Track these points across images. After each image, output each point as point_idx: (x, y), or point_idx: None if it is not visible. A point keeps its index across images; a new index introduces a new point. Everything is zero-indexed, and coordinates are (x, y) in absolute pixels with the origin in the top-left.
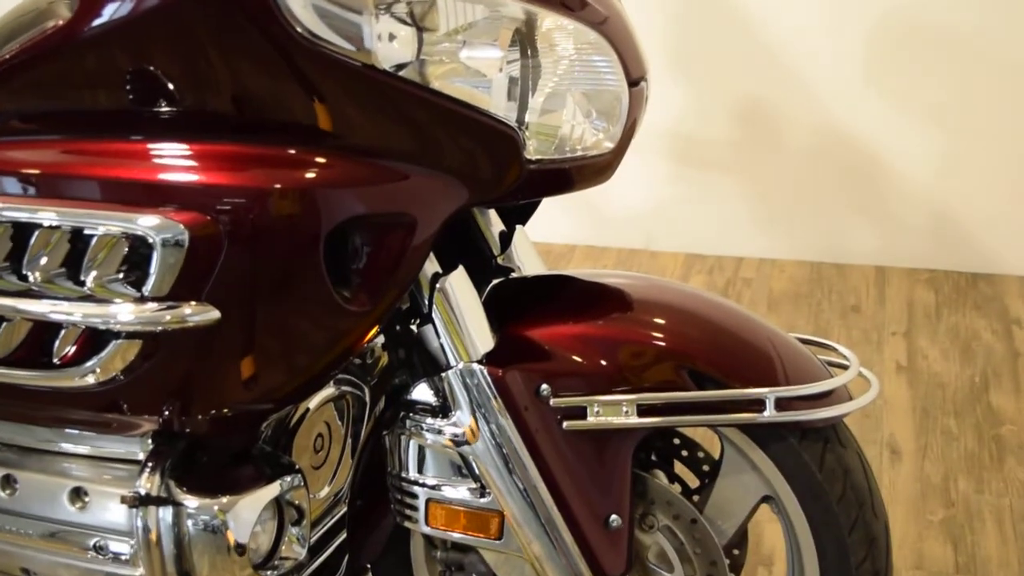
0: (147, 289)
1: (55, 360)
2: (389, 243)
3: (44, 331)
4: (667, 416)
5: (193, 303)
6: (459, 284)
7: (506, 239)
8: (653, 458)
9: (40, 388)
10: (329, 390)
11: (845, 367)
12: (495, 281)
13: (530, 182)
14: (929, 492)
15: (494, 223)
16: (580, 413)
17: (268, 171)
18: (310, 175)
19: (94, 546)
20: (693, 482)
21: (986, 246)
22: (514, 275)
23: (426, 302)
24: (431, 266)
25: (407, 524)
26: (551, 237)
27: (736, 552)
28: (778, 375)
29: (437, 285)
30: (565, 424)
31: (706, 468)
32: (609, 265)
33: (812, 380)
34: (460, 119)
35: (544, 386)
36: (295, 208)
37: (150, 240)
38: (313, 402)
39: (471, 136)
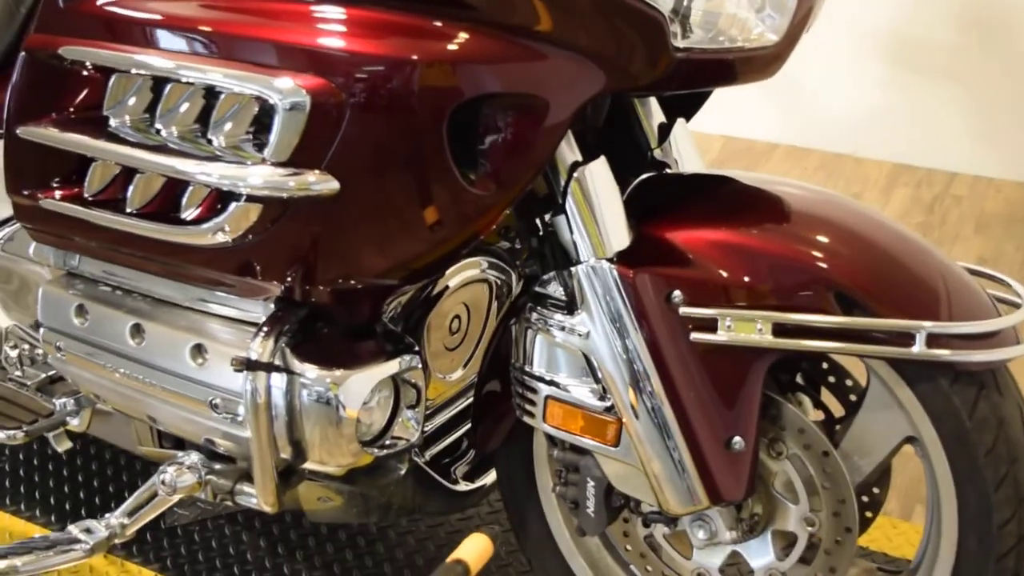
0: (268, 153)
1: (184, 216)
2: (519, 126)
3: (176, 187)
4: (804, 339)
5: (314, 171)
6: (598, 175)
7: (665, 132)
8: (799, 380)
9: (169, 242)
10: (472, 271)
11: (1018, 306)
12: (643, 176)
13: (681, 72)
14: None
15: (655, 115)
16: (711, 325)
17: (395, 40)
18: (438, 47)
19: (211, 403)
20: (839, 411)
21: None
22: (668, 171)
23: (561, 191)
24: (571, 153)
25: (526, 419)
26: (753, 134)
27: (876, 491)
28: (935, 308)
29: (575, 174)
30: (693, 336)
31: (853, 398)
32: (810, 168)
33: (974, 318)
34: (603, 0)
35: (676, 293)
36: (419, 81)
37: (272, 102)
38: (452, 281)
39: (614, 19)
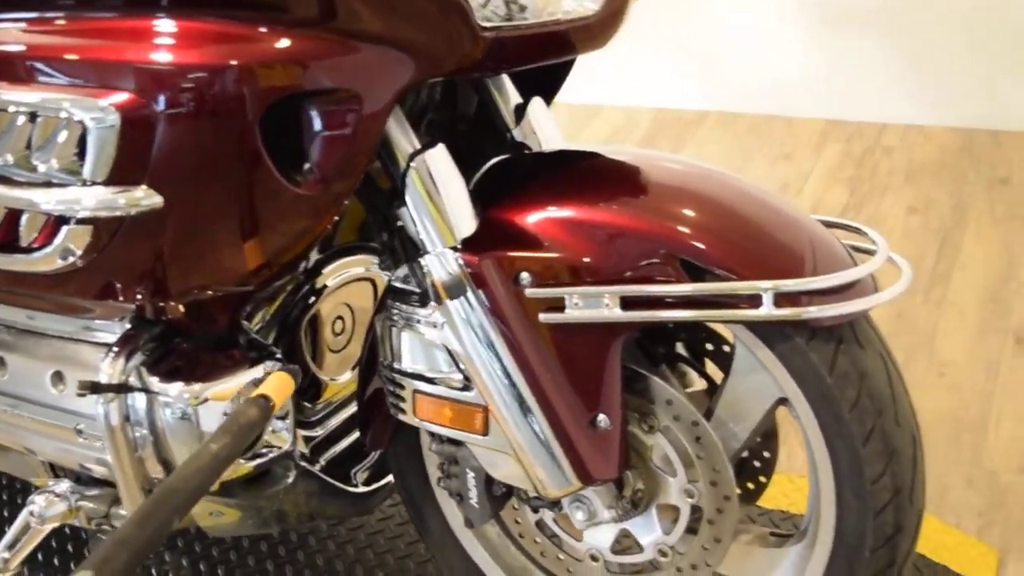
0: (87, 173)
1: (25, 243)
2: (336, 123)
3: (16, 214)
4: (653, 310)
5: (135, 187)
6: (438, 162)
7: (522, 113)
8: (681, 351)
9: (15, 271)
10: (355, 269)
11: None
12: (495, 159)
13: (497, 52)
14: None
15: (511, 95)
16: (558, 305)
17: (197, 47)
18: (242, 51)
19: (76, 430)
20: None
21: None
22: (525, 152)
23: (400, 181)
24: (407, 143)
25: (399, 416)
26: (683, 103)
27: (766, 454)
28: (787, 267)
29: (412, 163)
30: (542, 316)
31: (728, 364)
32: (741, 133)
33: (828, 272)
34: None
35: (524, 275)
36: (223, 86)
37: (81, 123)
38: (331, 281)
39: (417, 7)
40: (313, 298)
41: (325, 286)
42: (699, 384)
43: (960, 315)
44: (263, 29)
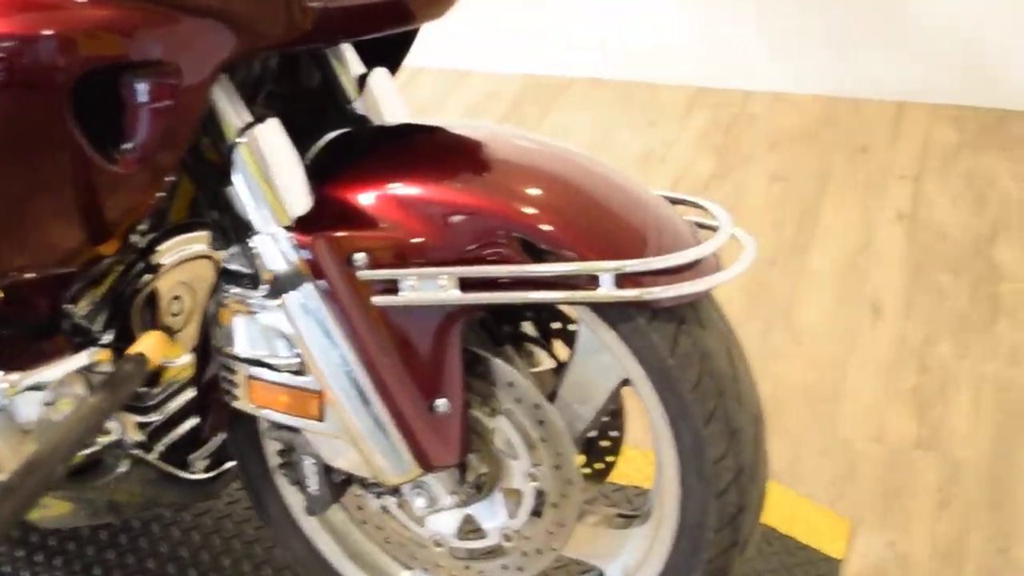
0: None
1: None
2: (153, 96)
3: None
4: (492, 292)
5: None
6: (270, 137)
7: (363, 84)
8: (529, 331)
9: None
10: (195, 247)
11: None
12: (334, 133)
13: (326, 22)
14: (906, 356)
15: (352, 65)
16: (393, 287)
17: (6, 14)
18: (50, 18)
19: None
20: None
21: (1020, 79)
22: (368, 125)
23: (228, 157)
24: (237, 118)
25: (233, 402)
26: (551, 69)
27: (613, 434)
28: (629, 247)
29: (241, 138)
30: (376, 299)
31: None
32: (608, 100)
33: (670, 251)
34: None
35: (358, 255)
36: (34, 55)
37: None
38: (167, 259)
39: None
40: (148, 277)
41: (161, 264)
42: (547, 363)
43: (819, 284)
44: None
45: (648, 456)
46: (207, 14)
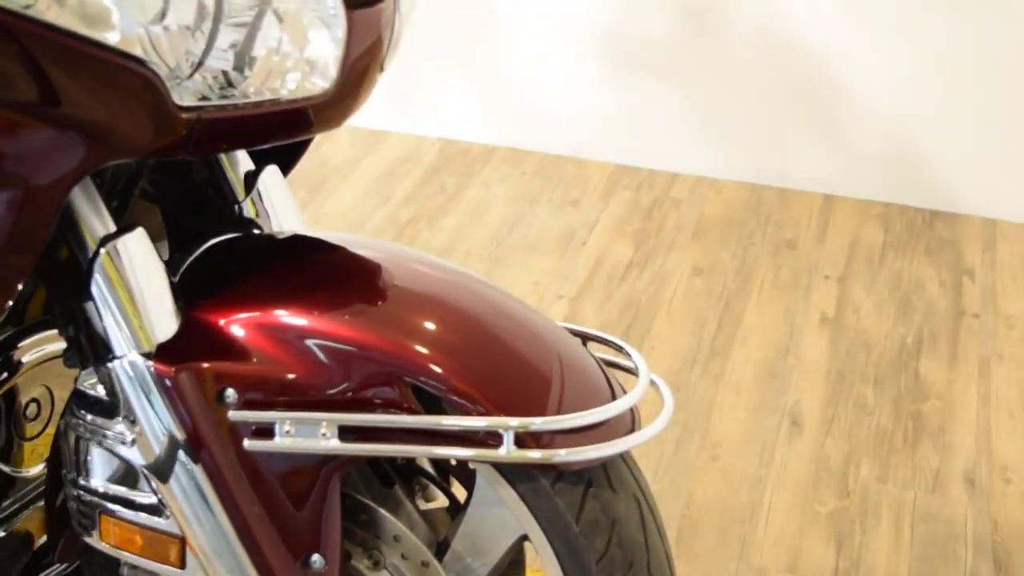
0: None
1: None
2: None
3: None
4: (377, 443)
5: None
6: (134, 249)
7: (253, 183)
8: (424, 464)
9: None
10: (54, 346)
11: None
12: (212, 240)
13: (202, 133)
14: (824, 477)
15: (242, 162)
16: (268, 430)
17: None
18: None
19: None
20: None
21: (949, 181)
22: (253, 232)
23: (87, 269)
24: (100, 226)
25: (84, 537)
26: (472, 136)
27: None
28: (532, 400)
29: (103, 249)
30: (247, 443)
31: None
32: (529, 172)
33: (581, 406)
34: (76, 59)
35: (229, 391)
36: None
37: None
38: (27, 358)
39: (95, 83)
40: (3, 375)
41: (20, 363)
42: (441, 500)
43: (736, 392)
44: None
45: None
46: (58, 124)
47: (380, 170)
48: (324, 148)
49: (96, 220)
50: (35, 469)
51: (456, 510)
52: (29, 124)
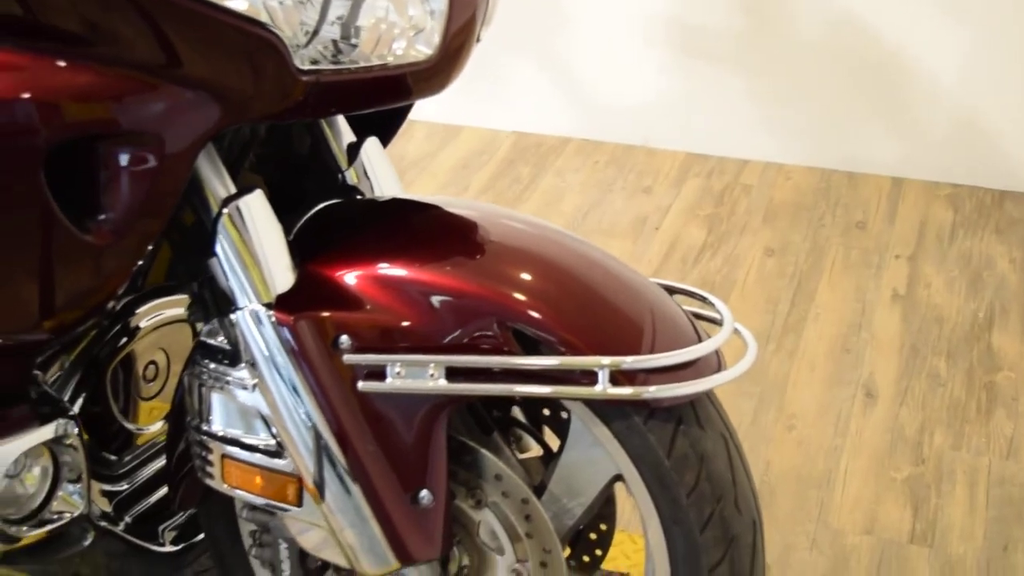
0: None
1: None
2: (132, 168)
3: None
4: (481, 383)
5: None
6: (254, 209)
7: (355, 153)
8: (519, 416)
9: None
10: (171, 311)
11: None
12: (321, 205)
13: (318, 96)
14: (899, 445)
15: (344, 134)
16: (379, 373)
17: None
18: (27, 83)
19: None
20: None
21: (1019, 160)
22: (357, 198)
23: (211, 229)
24: (222, 188)
25: (206, 480)
26: (545, 128)
27: (603, 527)
28: (624, 341)
29: (225, 210)
30: (361, 385)
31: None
32: (602, 162)
33: (672, 347)
34: (210, 24)
35: (343, 338)
36: (8, 121)
37: None
38: (144, 323)
39: (225, 47)
40: (123, 340)
41: (137, 328)
42: (536, 450)
43: (811, 366)
44: (61, 63)
45: (635, 540)
46: (194, 85)
47: (456, 162)
48: (401, 143)
49: (218, 182)
50: (153, 427)
51: (549, 459)
52: (167, 87)
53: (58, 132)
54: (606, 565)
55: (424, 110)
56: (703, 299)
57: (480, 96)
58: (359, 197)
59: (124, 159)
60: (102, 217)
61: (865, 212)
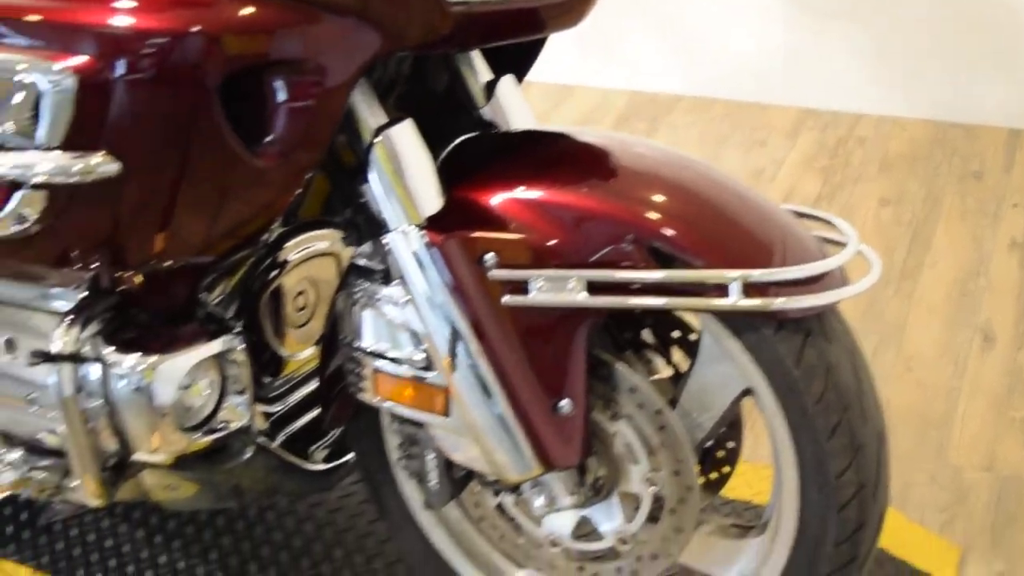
0: (41, 137)
1: None
2: (298, 94)
3: None
4: (620, 296)
5: (92, 153)
6: (404, 138)
7: (492, 90)
8: (647, 338)
9: None
10: (319, 244)
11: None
12: (463, 136)
13: (465, 27)
14: (1018, 387)
15: (481, 72)
16: (523, 287)
17: (161, 12)
18: (202, 17)
19: (28, 399)
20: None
21: None
22: (494, 131)
23: (364, 156)
24: (373, 118)
25: (359, 395)
26: (657, 86)
27: (730, 444)
28: (755, 256)
29: (377, 139)
30: (505, 299)
31: (695, 353)
32: (716, 118)
33: (798, 262)
34: None
35: (489, 255)
36: (183, 53)
37: (36, 86)
38: (292, 256)
39: None
40: (275, 272)
41: (288, 260)
42: (664, 372)
43: (929, 310)
44: None
45: (758, 470)
46: (355, 14)
47: (571, 121)
48: None
49: (370, 113)
50: (302, 354)
51: (677, 380)
52: (330, 18)
53: (233, 62)
54: (727, 492)
55: (538, 70)
56: (829, 222)
57: (593, 55)
58: (496, 131)
59: (290, 87)
60: (268, 141)
61: (982, 162)
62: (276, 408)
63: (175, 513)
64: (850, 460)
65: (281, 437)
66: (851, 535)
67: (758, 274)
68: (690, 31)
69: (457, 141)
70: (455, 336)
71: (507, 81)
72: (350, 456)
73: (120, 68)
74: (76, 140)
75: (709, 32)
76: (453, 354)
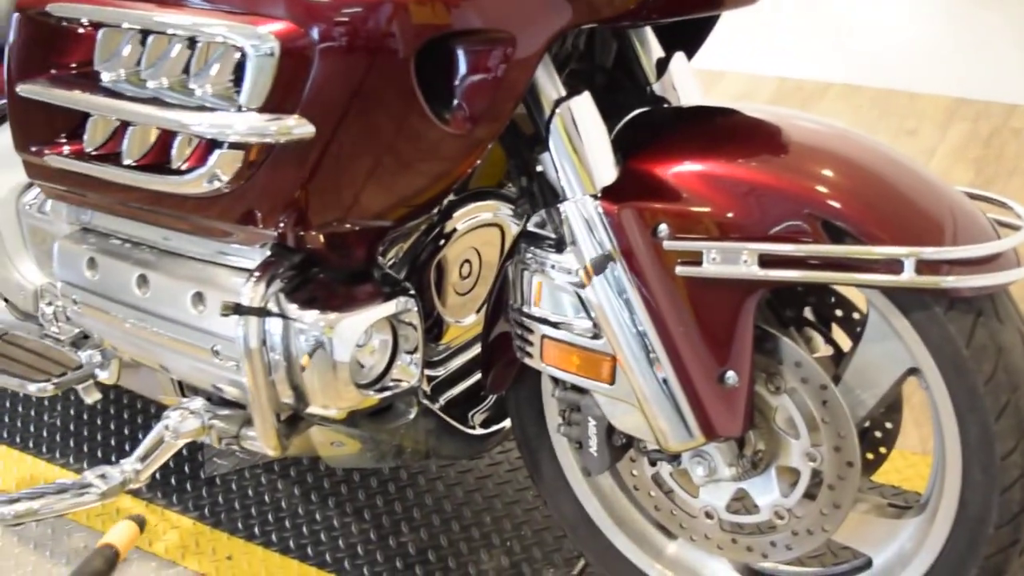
0: (243, 99)
1: (175, 166)
2: (488, 63)
3: (169, 138)
4: (791, 270)
5: (288, 116)
6: (582, 110)
7: (664, 67)
8: (808, 315)
9: (165, 193)
10: (484, 214)
11: (1018, 228)
12: (637, 111)
13: (653, 1)
14: None
15: (654, 49)
16: (696, 259)
17: None
18: None
19: (212, 350)
20: (848, 346)
21: None
22: (667, 106)
23: (544, 127)
24: (553, 90)
25: (526, 360)
26: (807, 73)
27: (888, 425)
28: (928, 234)
29: (557, 110)
30: (679, 269)
31: (859, 331)
32: (864, 106)
33: (971, 242)
34: None
35: (663, 226)
36: (383, 21)
37: (243, 49)
38: (460, 225)
39: None
40: (443, 240)
41: (455, 229)
42: (825, 350)
43: None
44: None
45: (906, 456)
46: None
47: None
48: None
49: (551, 85)
50: (469, 319)
51: (838, 359)
52: None
53: (429, 30)
54: (876, 478)
55: None
56: (1003, 204)
57: (744, 41)
58: (667, 106)
59: (482, 55)
60: (458, 108)
61: None
62: (438, 372)
63: (330, 473)
64: (1016, 442)
65: (441, 401)
66: (1013, 518)
67: (932, 251)
68: (840, 18)
69: (630, 115)
70: (625, 305)
71: (679, 58)
72: (506, 422)
73: (321, 34)
74: (274, 103)
75: (859, 19)
76: (623, 322)
